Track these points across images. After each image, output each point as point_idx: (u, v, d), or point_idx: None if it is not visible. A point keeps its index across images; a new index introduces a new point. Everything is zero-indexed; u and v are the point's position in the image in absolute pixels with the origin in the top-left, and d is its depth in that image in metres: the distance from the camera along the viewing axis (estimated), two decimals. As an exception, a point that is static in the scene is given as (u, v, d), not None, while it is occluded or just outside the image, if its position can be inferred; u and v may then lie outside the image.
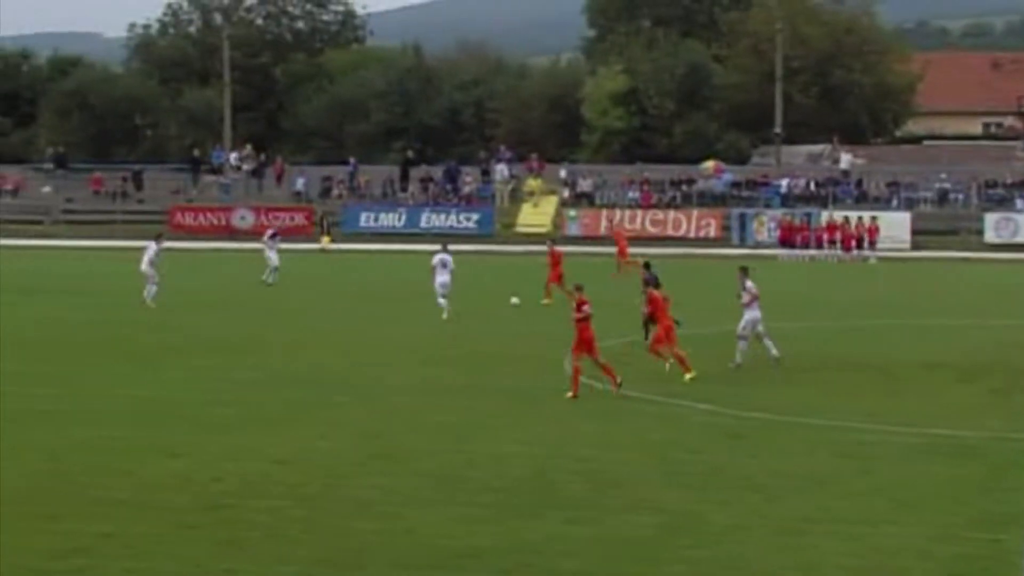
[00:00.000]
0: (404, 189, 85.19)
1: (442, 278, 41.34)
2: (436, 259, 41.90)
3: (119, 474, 21.06)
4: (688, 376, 29.93)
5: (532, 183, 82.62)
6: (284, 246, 54.90)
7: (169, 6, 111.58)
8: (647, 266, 36.17)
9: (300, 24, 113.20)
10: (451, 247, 43.61)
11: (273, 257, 51.93)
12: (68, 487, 20.28)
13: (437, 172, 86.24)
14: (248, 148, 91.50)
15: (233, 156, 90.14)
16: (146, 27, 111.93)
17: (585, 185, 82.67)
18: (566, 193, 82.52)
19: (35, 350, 34.58)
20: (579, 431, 24.77)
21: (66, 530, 17.99)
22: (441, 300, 41.07)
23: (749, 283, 31.55)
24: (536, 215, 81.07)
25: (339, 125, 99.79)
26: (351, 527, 18.29)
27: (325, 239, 75.47)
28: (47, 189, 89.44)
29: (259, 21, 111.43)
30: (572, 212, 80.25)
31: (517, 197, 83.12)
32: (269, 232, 54.33)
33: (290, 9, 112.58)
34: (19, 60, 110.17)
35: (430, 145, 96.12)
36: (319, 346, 35.70)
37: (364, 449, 22.99)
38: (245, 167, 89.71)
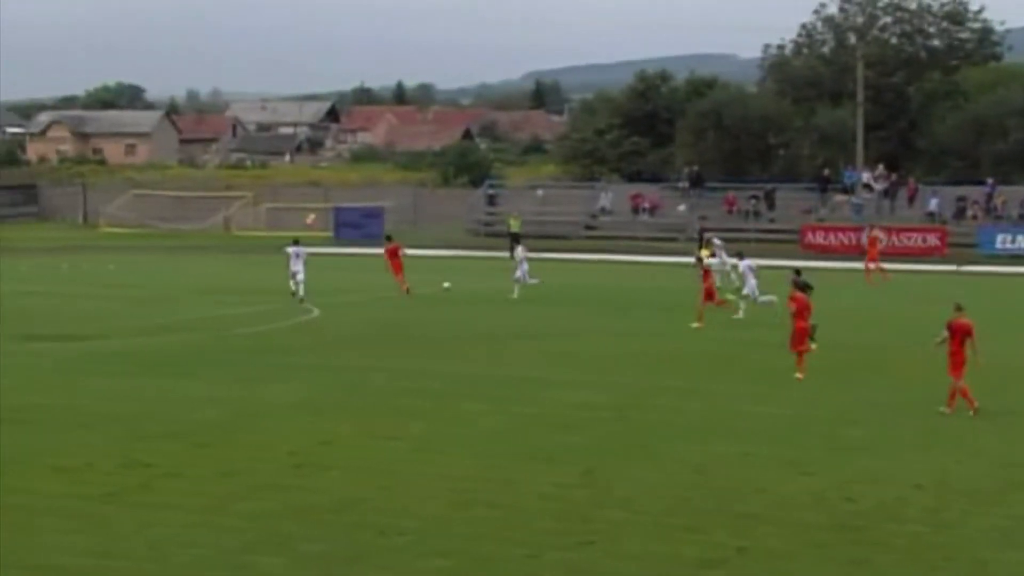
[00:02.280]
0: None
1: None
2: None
3: (755, 489, 21.43)
4: (799, 376, 32.23)
5: None
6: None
7: (803, 27, 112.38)
8: (797, 272, 37.76)
9: (935, 42, 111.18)
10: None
11: (525, 270, 53.46)
12: (710, 500, 20.83)
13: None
14: (880, 167, 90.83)
15: (865, 175, 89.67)
16: (780, 48, 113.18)
17: None
18: None
19: (677, 365, 35.46)
20: None
21: (707, 541, 18.56)
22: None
23: None
24: None
25: (975, 144, 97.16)
26: (991, 558, 17.91)
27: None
28: (682, 207, 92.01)
29: (893, 40, 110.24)
30: None
31: None
32: (521, 249, 55.71)
33: (925, 27, 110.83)
34: (658, 82, 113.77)
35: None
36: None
37: (1002, 477, 22.40)
38: (877, 187, 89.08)
